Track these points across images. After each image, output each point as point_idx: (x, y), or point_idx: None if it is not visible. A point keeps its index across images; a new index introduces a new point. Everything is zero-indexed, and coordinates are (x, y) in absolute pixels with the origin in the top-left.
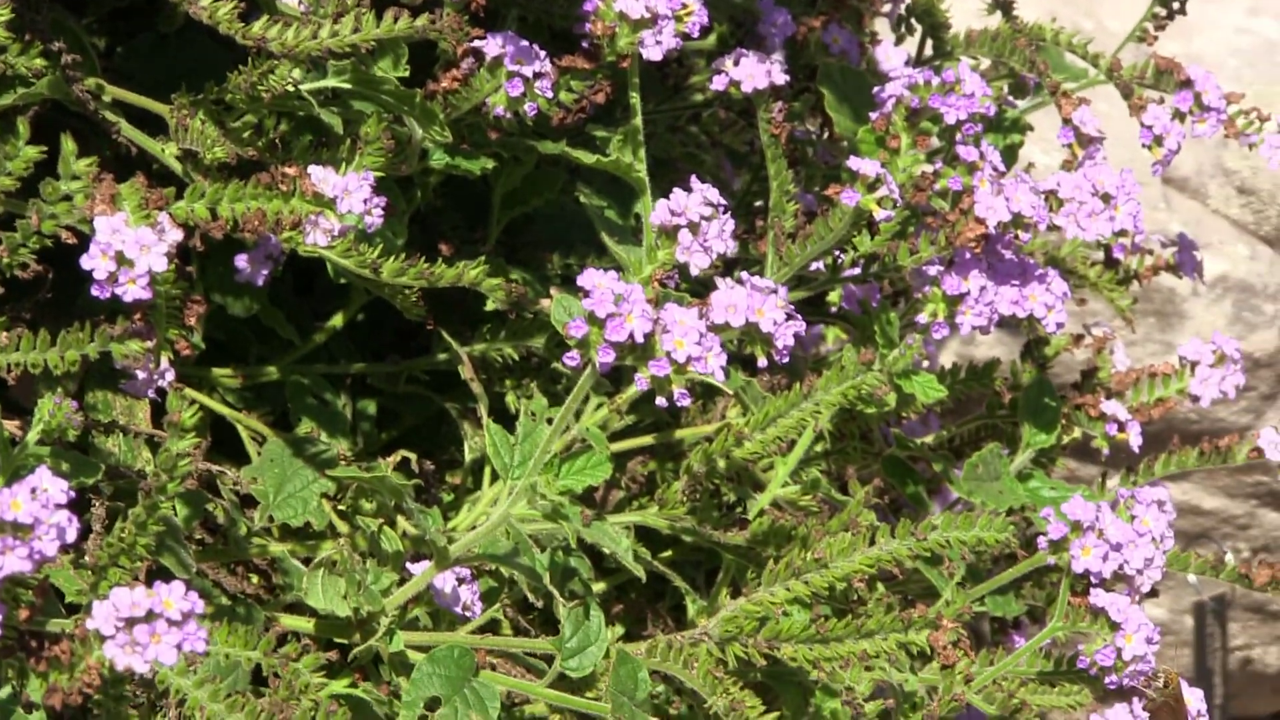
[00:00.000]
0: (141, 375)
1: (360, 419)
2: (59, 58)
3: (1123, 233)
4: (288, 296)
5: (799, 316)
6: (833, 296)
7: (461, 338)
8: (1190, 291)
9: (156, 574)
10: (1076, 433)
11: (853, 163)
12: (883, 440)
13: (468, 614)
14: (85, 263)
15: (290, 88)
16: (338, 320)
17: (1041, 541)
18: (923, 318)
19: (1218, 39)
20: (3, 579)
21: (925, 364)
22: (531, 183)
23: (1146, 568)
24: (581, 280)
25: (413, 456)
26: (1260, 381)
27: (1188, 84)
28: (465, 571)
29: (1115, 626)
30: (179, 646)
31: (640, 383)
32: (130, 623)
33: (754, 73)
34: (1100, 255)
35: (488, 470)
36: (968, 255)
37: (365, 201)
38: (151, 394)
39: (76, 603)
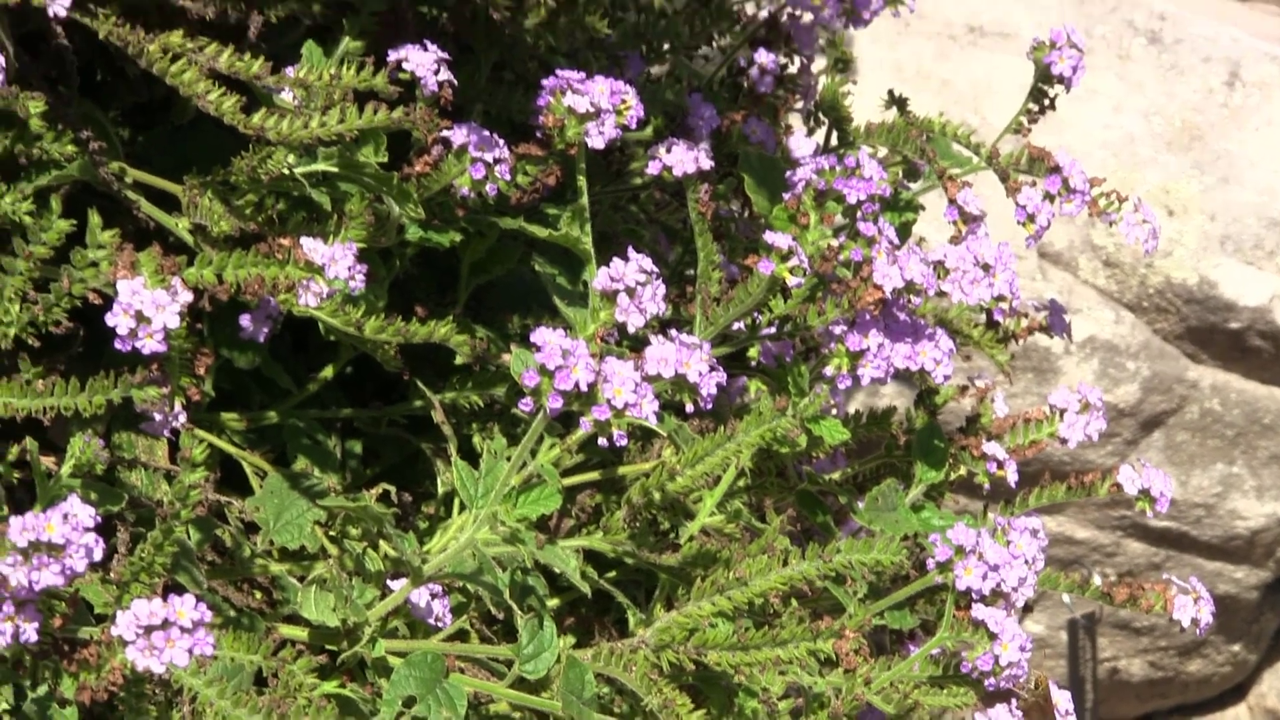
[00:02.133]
0: (159, 417)
1: (348, 457)
2: (87, 144)
3: (1001, 298)
4: (285, 351)
5: (720, 368)
6: (752, 352)
7: (434, 387)
8: (1063, 351)
9: (172, 589)
10: (962, 470)
11: (769, 237)
12: (796, 476)
13: (439, 624)
14: (109, 320)
15: (285, 170)
16: (328, 372)
17: (930, 563)
18: (829, 370)
19: (1086, 133)
20: (39, 591)
21: (833, 411)
22: (494, 253)
23: (1020, 586)
24: (534, 337)
25: (392, 489)
26: (1124, 429)
27: (1057, 169)
28: (437, 588)
29: (993, 636)
30: (190, 650)
31: (585, 425)
32: (149, 630)
33: (684, 159)
34: (983, 317)
35: (457, 501)
36: (867, 317)
37: (350, 269)
38: (168, 434)
39: (103, 613)
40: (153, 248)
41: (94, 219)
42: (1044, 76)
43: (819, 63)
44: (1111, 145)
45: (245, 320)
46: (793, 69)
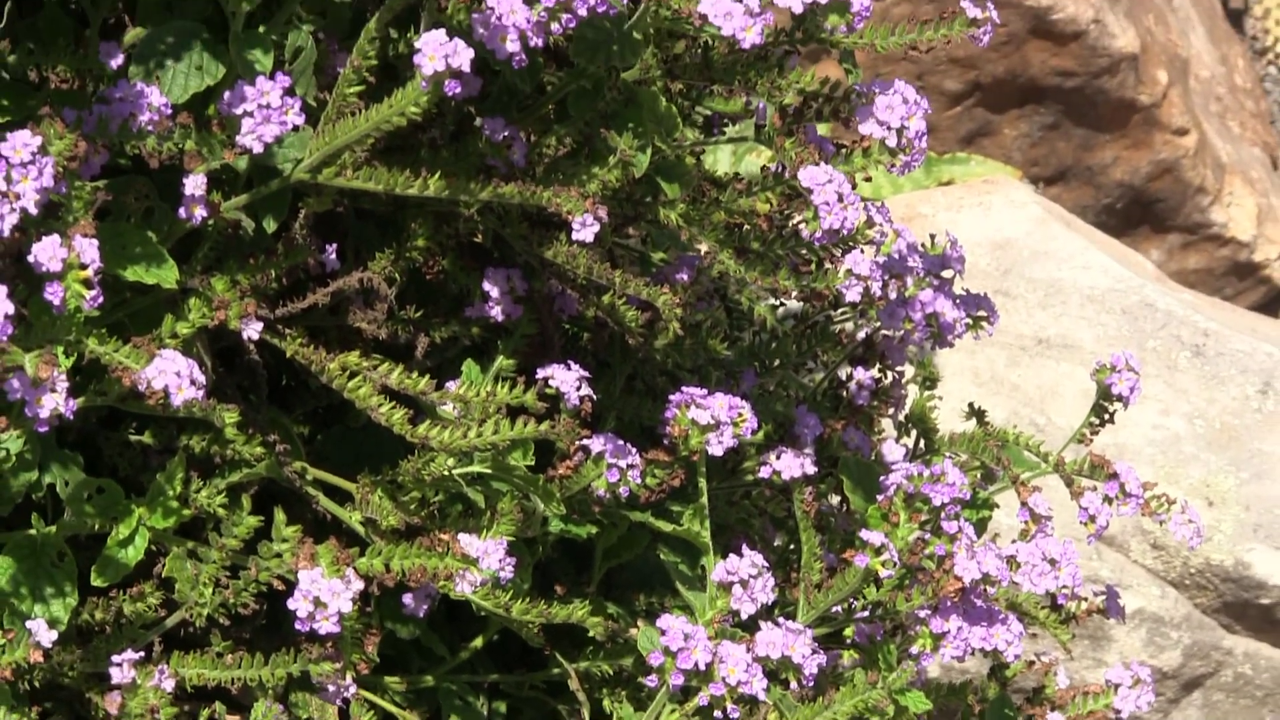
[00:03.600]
0: (332, 688)
1: (494, 716)
2: (274, 446)
3: (1065, 587)
4: (441, 622)
5: (821, 651)
6: (848, 631)
7: (570, 656)
8: (1115, 622)
9: None
10: None
11: (864, 534)
12: None
13: None
14: (291, 604)
15: (446, 472)
16: (478, 642)
17: None
18: (915, 649)
19: (1138, 432)
20: None
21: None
22: (624, 541)
23: None
24: (660, 623)
25: None
26: (1167, 689)
27: (1114, 476)
28: None
29: None
30: None
31: (702, 699)
32: None
33: (791, 465)
34: (1048, 601)
35: None
36: (949, 603)
37: (500, 560)
38: (339, 702)
39: None
40: (329, 540)
41: (279, 516)
42: (1105, 394)
43: (907, 370)
44: (1159, 444)
45: (408, 599)
46: (885, 382)
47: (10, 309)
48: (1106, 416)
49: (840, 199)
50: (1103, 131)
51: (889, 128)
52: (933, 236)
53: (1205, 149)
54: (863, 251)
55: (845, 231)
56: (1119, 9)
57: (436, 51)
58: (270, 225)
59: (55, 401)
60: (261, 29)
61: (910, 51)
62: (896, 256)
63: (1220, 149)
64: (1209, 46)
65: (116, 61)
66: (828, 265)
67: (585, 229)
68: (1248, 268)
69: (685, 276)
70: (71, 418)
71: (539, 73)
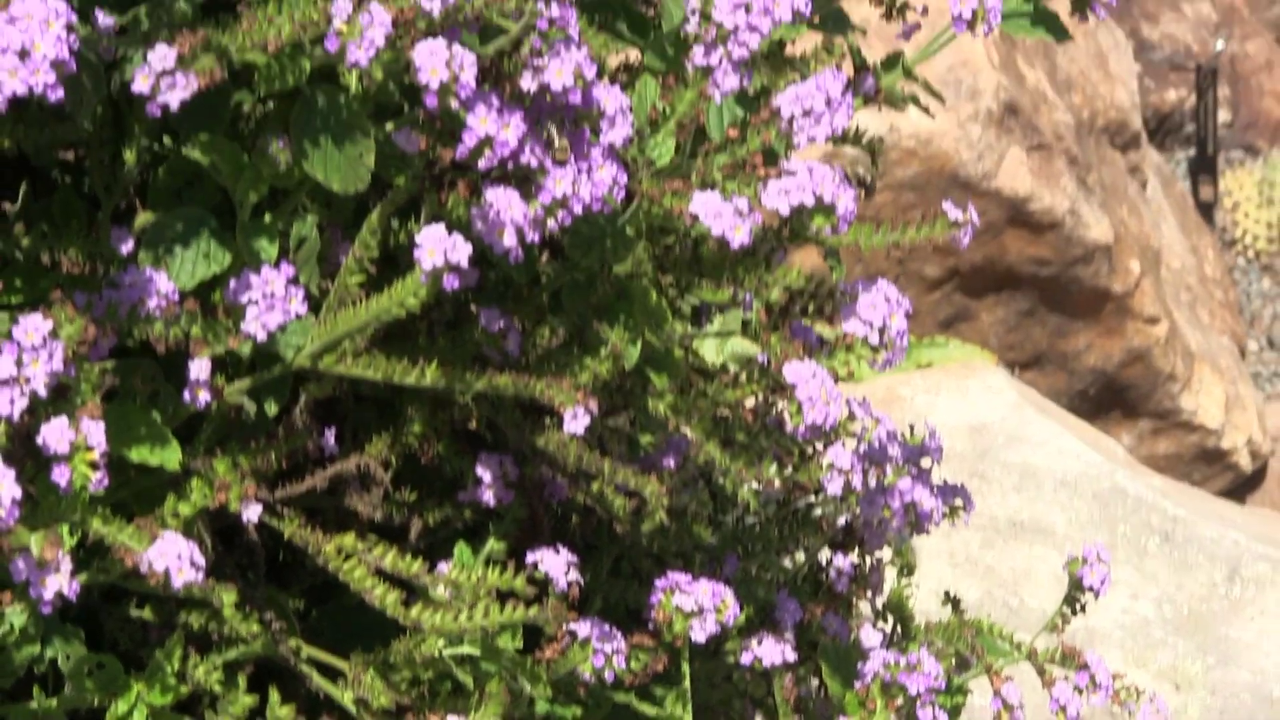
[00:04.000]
0: None
1: None
2: (270, 625)
3: None
4: None
5: None
6: None
7: None
8: None
9: None
10: None
11: None
12: None
13: None
14: None
15: (437, 653)
16: None
17: None
18: None
19: (1108, 616)
20: None
21: None
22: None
23: None
24: None
25: None
26: None
27: (1085, 666)
28: None
29: None
30: None
31: None
32: None
33: (772, 652)
34: None
35: None
36: None
37: None
38: None
39: None
40: (322, 718)
41: (274, 696)
42: (1076, 585)
43: (885, 553)
44: (1129, 628)
45: None
46: (864, 567)
47: (18, 493)
48: (1078, 606)
49: (823, 394)
50: (1077, 318)
51: (871, 326)
52: (912, 427)
53: (1176, 337)
54: (844, 444)
55: (828, 427)
56: (1094, 200)
57: (436, 246)
58: (272, 409)
59: (59, 583)
60: (267, 218)
61: (893, 248)
62: (876, 446)
63: (1190, 337)
64: (1180, 237)
65: (127, 246)
66: (810, 454)
67: (576, 421)
68: (1216, 454)
69: (672, 462)
70: (74, 599)
71: (534, 264)
